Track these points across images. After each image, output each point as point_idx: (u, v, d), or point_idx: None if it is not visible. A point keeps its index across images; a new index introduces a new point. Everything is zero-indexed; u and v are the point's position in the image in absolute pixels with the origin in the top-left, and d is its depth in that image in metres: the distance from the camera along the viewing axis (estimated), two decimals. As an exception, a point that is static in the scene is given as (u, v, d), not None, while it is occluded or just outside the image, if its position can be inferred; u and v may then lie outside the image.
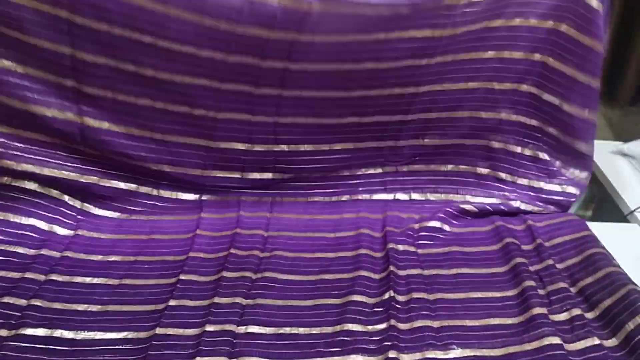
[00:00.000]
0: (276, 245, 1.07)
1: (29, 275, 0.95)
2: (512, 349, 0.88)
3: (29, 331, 0.86)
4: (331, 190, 1.21)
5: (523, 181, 1.24)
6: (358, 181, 1.23)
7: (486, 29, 1.09)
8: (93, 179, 1.10)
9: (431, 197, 1.24)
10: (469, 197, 1.24)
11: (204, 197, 1.16)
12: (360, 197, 1.22)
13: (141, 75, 1.03)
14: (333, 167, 1.21)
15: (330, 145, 1.18)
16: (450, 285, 1.01)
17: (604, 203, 1.26)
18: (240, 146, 1.14)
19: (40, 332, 0.86)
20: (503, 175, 1.24)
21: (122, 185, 1.13)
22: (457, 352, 0.88)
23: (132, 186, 1.13)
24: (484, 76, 1.15)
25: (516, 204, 1.22)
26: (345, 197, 1.22)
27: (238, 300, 0.93)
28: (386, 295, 0.96)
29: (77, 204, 1.10)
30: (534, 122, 1.21)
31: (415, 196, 1.24)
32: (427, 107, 1.17)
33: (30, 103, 1.02)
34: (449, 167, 1.25)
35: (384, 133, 1.19)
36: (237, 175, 1.17)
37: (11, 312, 0.88)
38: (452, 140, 1.22)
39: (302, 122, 1.14)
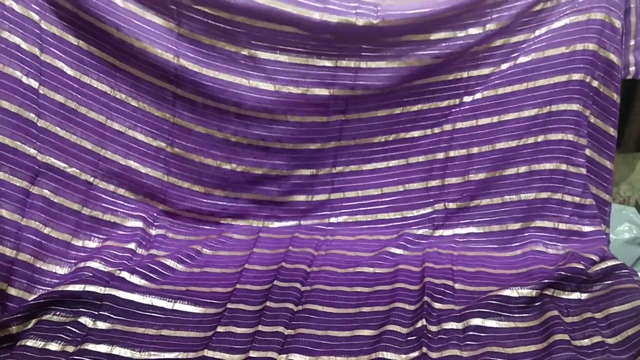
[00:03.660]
0: (317, 280, 1.14)
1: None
2: None
3: (91, 347, 0.95)
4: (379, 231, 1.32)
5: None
6: (407, 222, 1.33)
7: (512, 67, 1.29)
8: (161, 232, 1.26)
9: (475, 229, 1.32)
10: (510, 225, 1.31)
11: (260, 235, 1.29)
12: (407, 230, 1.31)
13: (226, 140, 1.26)
14: (381, 210, 1.34)
15: (380, 190, 1.34)
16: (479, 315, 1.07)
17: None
18: (307, 172, 1.32)
19: (102, 348, 0.95)
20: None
21: (182, 237, 1.28)
22: None
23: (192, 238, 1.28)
24: (515, 107, 1.30)
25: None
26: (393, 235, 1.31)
27: (280, 329, 1.00)
28: (419, 324, 1.02)
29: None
30: (581, 141, 1.30)
31: (459, 231, 1.32)
32: (467, 142, 1.31)
33: (130, 159, 1.23)
34: (495, 199, 1.32)
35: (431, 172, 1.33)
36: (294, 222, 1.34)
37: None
38: (494, 173, 1.32)
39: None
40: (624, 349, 0.98)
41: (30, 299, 1.03)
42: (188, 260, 1.19)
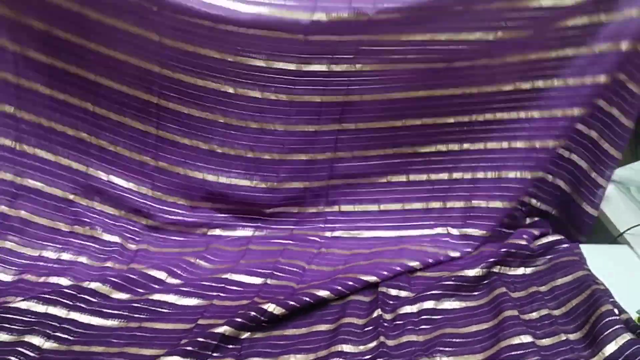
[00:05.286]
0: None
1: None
2: (490, 352, 0.95)
3: None
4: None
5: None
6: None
7: (520, 90, 1.17)
8: (143, 246, 1.22)
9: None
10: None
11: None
12: None
13: (211, 152, 1.22)
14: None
15: (378, 206, 1.29)
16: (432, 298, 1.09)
17: (595, 225, 1.30)
18: (299, 185, 1.27)
19: None
20: None
21: (167, 250, 1.23)
22: None
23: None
24: (525, 135, 1.20)
25: None
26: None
27: (237, 333, 0.99)
28: (375, 314, 1.03)
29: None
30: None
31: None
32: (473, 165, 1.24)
33: (112, 175, 1.20)
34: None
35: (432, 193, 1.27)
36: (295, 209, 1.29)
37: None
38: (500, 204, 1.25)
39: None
40: (570, 320, 1.01)
41: None
42: (179, 272, 1.14)
